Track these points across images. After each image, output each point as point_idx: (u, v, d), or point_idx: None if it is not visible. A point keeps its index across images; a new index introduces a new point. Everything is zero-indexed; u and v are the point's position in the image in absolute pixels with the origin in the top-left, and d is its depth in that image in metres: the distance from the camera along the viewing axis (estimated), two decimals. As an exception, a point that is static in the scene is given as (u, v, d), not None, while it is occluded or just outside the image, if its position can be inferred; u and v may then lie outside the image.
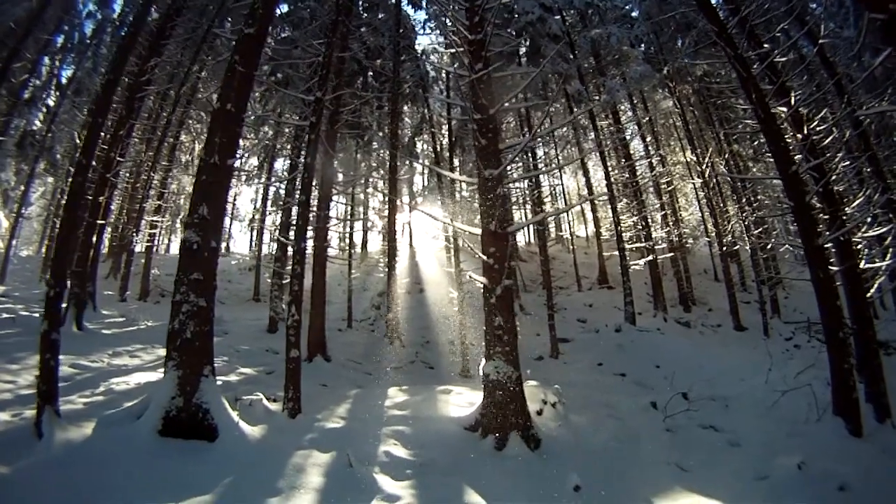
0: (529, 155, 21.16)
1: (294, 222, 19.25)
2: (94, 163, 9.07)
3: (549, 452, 8.09)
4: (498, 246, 8.64)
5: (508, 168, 10.08)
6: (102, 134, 20.86)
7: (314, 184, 13.35)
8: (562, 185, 35.20)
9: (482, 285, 8.74)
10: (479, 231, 9.01)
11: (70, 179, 9.18)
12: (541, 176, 24.52)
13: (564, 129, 29.50)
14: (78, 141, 23.43)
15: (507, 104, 10.15)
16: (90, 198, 15.89)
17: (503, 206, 8.93)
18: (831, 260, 10.04)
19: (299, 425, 8.32)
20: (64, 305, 15.06)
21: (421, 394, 10.86)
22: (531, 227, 30.51)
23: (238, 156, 9.23)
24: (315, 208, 16.23)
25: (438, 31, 23.00)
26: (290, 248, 20.00)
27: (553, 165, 27.94)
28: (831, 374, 9.20)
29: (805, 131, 10.90)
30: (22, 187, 25.89)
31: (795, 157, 10.55)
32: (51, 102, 25.46)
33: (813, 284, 9.76)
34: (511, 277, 13.93)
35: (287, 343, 8.90)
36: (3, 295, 18.40)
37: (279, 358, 13.64)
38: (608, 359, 16.65)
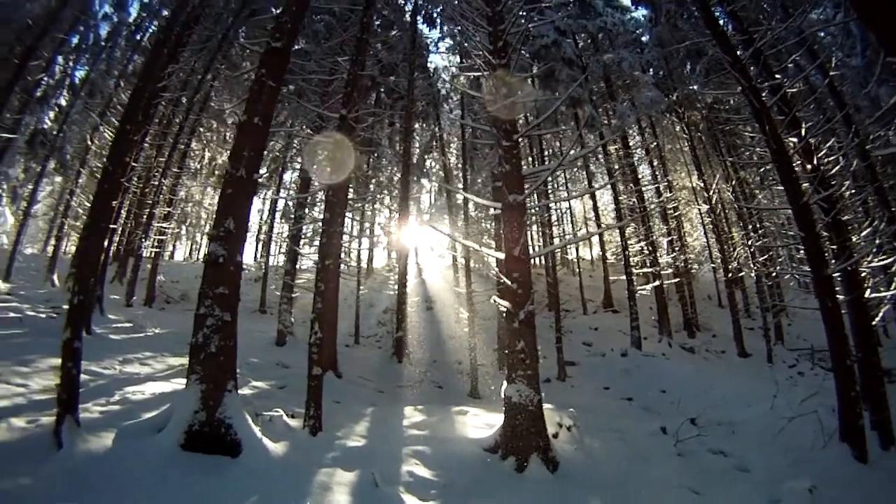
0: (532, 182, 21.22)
1: (304, 234, 19.48)
2: (120, 170, 9.00)
3: (567, 475, 8.08)
4: (521, 270, 8.66)
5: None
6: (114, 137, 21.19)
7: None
8: (569, 207, 35.30)
9: (503, 309, 8.74)
10: (502, 255, 9.03)
11: (97, 185, 9.11)
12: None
13: (572, 152, 29.74)
14: (89, 142, 23.51)
15: (532, 130, 10.19)
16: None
17: (526, 230, 8.96)
18: (836, 289, 10.08)
19: (321, 443, 8.27)
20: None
21: (438, 414, 10.86)
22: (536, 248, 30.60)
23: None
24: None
25: (455, 52, 23.19)
26: (300, 261, 20.18)
27: (561, 188, 28.03)
28: (838, 400, 9.31)
29: (815, 162, 11.00)
30: (30, 185, 25.86)
31: (805, 188, 10.64)
32: (63, 102, 25.49)
33: (821, 313, 9.90)
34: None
35: (309, 360, 8.84)
36: (9, 293, 18.25)
37: (290, 372, 13.73)
38: (615, 383, 16.72)
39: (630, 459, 8.96)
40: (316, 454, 7.72)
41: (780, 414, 10.34)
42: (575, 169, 29.21)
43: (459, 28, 20.95)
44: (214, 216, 8.40)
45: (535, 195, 20.18)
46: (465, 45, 19.31)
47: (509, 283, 8.65)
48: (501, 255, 9.04)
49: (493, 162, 18.31)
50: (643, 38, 23.87)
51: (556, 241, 24.16)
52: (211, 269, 7.87)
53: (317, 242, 20.34)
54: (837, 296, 9.89)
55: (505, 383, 8.65)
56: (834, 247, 10.83)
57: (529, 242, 23.24)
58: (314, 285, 9.60)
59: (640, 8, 23.95)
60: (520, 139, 9.43)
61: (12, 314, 14.82)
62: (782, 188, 14.42)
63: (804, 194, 10.39)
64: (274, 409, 9.20)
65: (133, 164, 17.14)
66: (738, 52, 11.59)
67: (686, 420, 10.54)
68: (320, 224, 19.71)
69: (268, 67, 8.90)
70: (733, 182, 23.14)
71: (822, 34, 16.68)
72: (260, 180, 24.86)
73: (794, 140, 11.08)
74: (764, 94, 11.18)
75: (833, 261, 10.58)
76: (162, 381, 11.15)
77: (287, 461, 7.27)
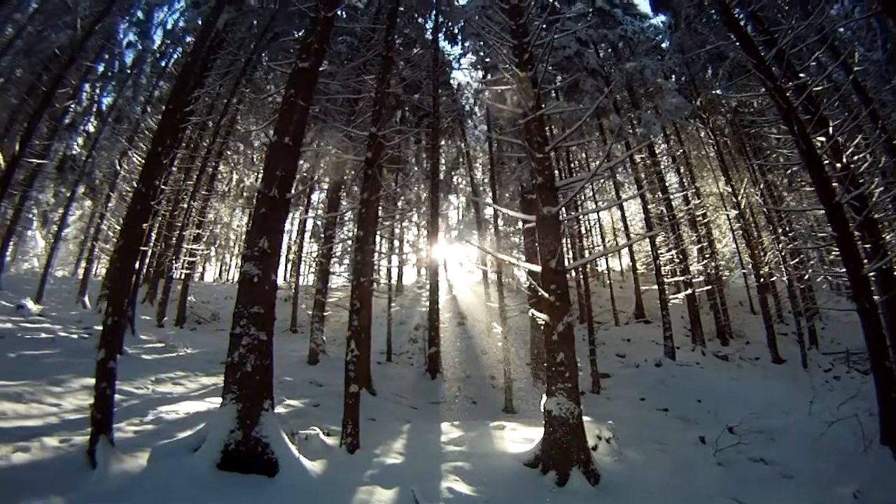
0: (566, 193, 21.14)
1: (334, 253, 19.52)
2: (152, 192, 9.06)
3: (608, 488, 7.94)
4: (559, 283, 8.56)
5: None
6: (143, 161, 21.49)
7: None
8: (598, 219, 35.02)
9: (541, 322, 8.64)
10: (538, 268, 8.93)
11: (127, 207, 9.20)
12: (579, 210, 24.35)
13: (597, 162, 29.63)
14: (118, 167, 23.82)
15: (564, 142, 10.13)
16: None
17: (562, 243, 8.87)
18: (871, 289, 9.96)
19: (358, 461, 8.20)
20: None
21: (475, 430, 10.73)
22: (568, 261, 30.38)
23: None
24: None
25: (478, 67, 23.22)
26: (332, 280, 20.22)
27: (588, 200, 27.92)
28: (878, 403, 9.30)
29: (844, 160, 10.85)
30: (60, 210, 26.28)
31: (834, 187, 10.49)
32: (91, 129, 25.96)
33: (858, 314, 9.83)
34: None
35: (346, 378, 8.80)
36: (41, 315, 18.45)
37: (324, 390, 13.70)
38: (650, 394, 16.48)
39: (671, 470, 8.79)
40: (354, 472, 7.66)
41: (819, 419, 10.24)
42: (602, 180, 29.03)
43: (482, 43, 21.25)
44: (247, 236, 8.45)
45: (564, 208, 20.05)
46: (488, 59, 19.45)
47: (547, 295, 8.55)
48: (538, 268, 8.93)
49: (521, 175, 18.30)
50: (663, 45, 23.70)
51: (587, 253, 24.02)
52: (246, 288, 7.89)
53: (346, 261, 20.45)
54: (875, 297, 9.74)
55: (545, 396, 8.52)
56: (867, 246, 10.64)
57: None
58: (349, 303, 9.56)
59: (658, 14, 23.83)
60: (551, 151, 9.33)
61: (45, 335, 14.98)
62: (811, 189, 14.43)
63: (836, 194, 10.28)
64: (309, 427, 9.15)
65: (163, 186, 17.35)
66: (762, 54, 11.46)
67: (724, 429, 10.36)
68: (349, 242, 19.92)
69: (297, 87, 8.96)
70: (761, 186, 22.86)
71: (842, 30, 16.46)
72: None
73: (822, 139, 10.95)
74: (789, 94, 11.07)
75: (866, 261, 10.40)
76: (196, 401, 11.19)
77: (325, 480, 7.22)
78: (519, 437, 10.15)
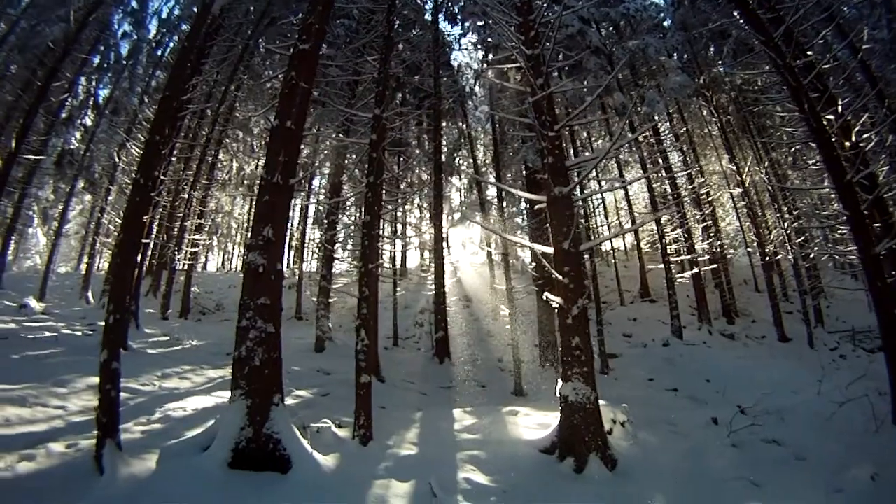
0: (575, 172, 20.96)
1: (337, 239, 19.33)
2: (151, 183, 8.79)
3: (626, 473, 7.82)
4: (572, 265, 8.34)
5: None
6: (142, 151, 21.26)
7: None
8: (602, 198, 34.80)
9: (556, 305, 8.45)
10: (550, 250, 8.74)
11: (128, 200, 8.91)
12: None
13: (599, 141, 29.43)
14: (117, 159, 23.64)
15: (574, 120, 9.93)
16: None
17: (575, 223, 8.66)
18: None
19: (372, 453, 8.01)
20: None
21: (488, 416, 10.57)
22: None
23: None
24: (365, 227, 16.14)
25: (479, 47, 22.98)
26: (335, 265, 20.04)
27: (591, 179, 27.74)
28: (890, 383, 9.23)
29: (853, 139, 10.70)
30: (60, 206, 26.14)
31: (845, 166, 10.35)
32: (88, 122, 25.76)
33: (871, 293, 9.92)
34: (551, 289, 13.68)
35: (357, 368, 8.59)
36: (44, 312, 18.35)
37: (332, 379, 13.56)
38: (658, 374, 16.43)
39: (685, 453, 8.70)
40: (368, 465, 7.49)
41: (828, 399, 10.10)
42: (606, 159, 28.87)
43: (483, 22, 20.96)
44: (252, 225, 8.21)
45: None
46: (490, 39, 19.18)
47: (561, 277, 8.35)
48: (550, 250, 8.74)
49: (527, 156, 18.08)
50: (664, 23, 23.48)
51: (592, 233, 23.84)
52: (251, 279, 7.66)
53: (350, 246, 20.26)
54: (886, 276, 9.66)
55: (560, 381, 8.34)
56: (877, 225, 10.52)
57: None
58: (358, 290, 9.32)
59: (661, -9, 23.59)
60: (561, 129, 9.11)
61: (48, 333, 14.81)
62: (816, 168, 14.39)
63: (847, 172, 10.10)
64: (319, 418, 8.96)
65: (162, 177, 17.15)
66: (772, 33, 11.26)
67: (735, 409, 10.28)
68: (352, 228, 19.72)
69: (298, 70, 8.68)
70: (766, 164, 22.70)
71: (846, 8, 16.27)
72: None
73: (830, 117, 10.78)
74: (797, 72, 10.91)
75: (874, 240, 10.28)
76: (203, 396, 10.99)
77: (339, 474, 7.04)
78: (533, 423, 9.98)
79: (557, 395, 8.32)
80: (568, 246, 8.36)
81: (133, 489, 6.08)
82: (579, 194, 18.04)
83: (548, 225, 9.15)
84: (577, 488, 7.28)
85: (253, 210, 32.61)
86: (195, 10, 22.75)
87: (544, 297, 8.96)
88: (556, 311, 8.56)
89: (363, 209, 10.22)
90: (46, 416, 8.43)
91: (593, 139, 30.29)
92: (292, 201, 8.79)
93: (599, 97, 21.84)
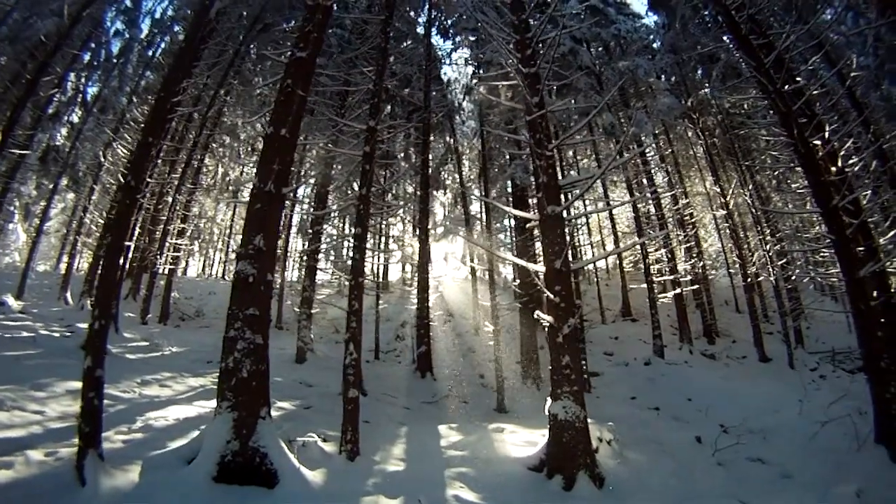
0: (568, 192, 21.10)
1: (324, 250, 19.23)
2: (141, 185, 8.63)
3: (613, 491, 7.90)
4: (563, 284, 8.38)
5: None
6: (129, 153, 21.08)
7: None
8: (586, 217, 34.95)
9: (545, 324, 8.46)
10: (542, 268, 8.76)
11: (117, 202, 8.76)
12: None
13: (584, 160, 29.63)
14: (102, 158, 23.38)
15: (568, 140, 9.98)
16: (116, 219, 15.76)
17: (568, 243, 8.69)
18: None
19: (359, 468, 7.96)
20: (87, 326, 14.82)
21: (474, 433, 10.55)
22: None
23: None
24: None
25: (470, 63, 23.09)
26: (318, 276, 19.90)
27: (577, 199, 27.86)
28: (873, 403, 9.41)
29: (839, 164, 10.88)
30: (43, 202, 25.82)
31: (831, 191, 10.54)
32: (75, 119, 25.47)
33: (854, 316, 10.12)
34: (534, 307, 13.72)
35: (345, 382, 8.54)
36: (23, 311, 18.07)
37: (314, 391, 13.47)
38: (640, 392, 16.46)
39: (672, 471, 8.82)
40: (356, 481, 7.42)
41: (810, 419, 10.47)
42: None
43: (475, 38, 21.05)
44: (242, 233, 8.11)
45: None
46: (482, 55, 19.24)
47: (552, 296, 8.38)
48: (541, 269, 8.76)
49: (515, 173, 18.12)
50: (654, 45, 23.70)
51: (577, 251, 23.86)
52: (240, 288, 7.57)
53: (332, 257, 20.13)
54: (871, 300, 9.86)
55: (549, 400, 8.40)
56: (860, 249, 10.65)
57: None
58: (348, 304, 9.26)
59: (650, 14, 23.84)
60: (554, 149, 9.15)
61: (25, 333, 14.59)
62: (799, 192, 14.63)
63: (833, 197, 10.30)
64: (303, 431, 8.93)
65: (148, 179, 16.98)
66: (764, 59, 11.43)
67: (718, 428, 10.67)
68: (336, 239, 19.63)
69: (294, 77, 8.65)
70: (750, 186, 22.92)
71: (834, 35, 16.56)
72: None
73: (817, 143, 10.95)
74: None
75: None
76: (184, 405, 10.84)
77: (327, 490, 6.97)
78: (519, 440, 9.99)
79: (546, 412, 8.35)
80: (560, 265, 8.38)
81: (116, 501, 5.96)
82: (570, 214, 18.26)
83: (534, 243, 9.24)
84: (567, 506, 7.24)
85: (237, 217, 32.56)
86: (188, 11, 22.93)
87: (535, 316, 8.98)
88: (546, 329, 8.58)
89: (354, 221, 10.16)
90: (24, 421, 8.23)
91: (579, 158, 30.42)
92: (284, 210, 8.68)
93: (588, 115, 22.01)
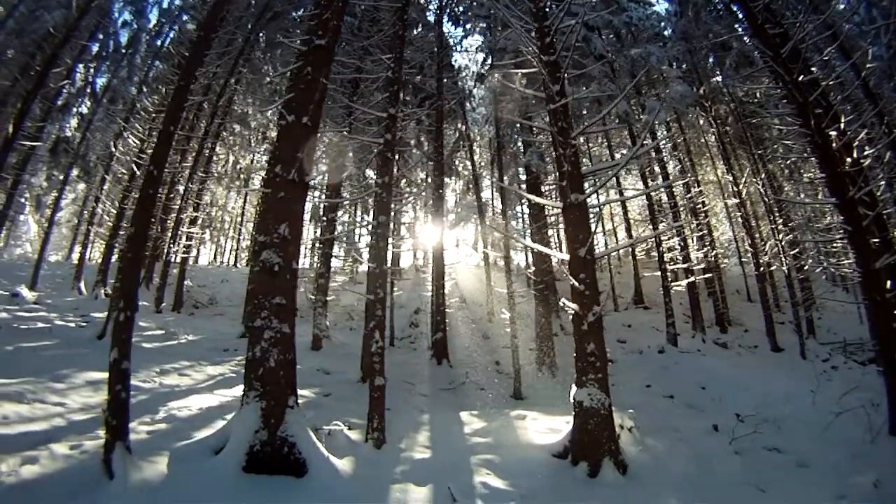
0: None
1: (337, 238, 19.20)
2: (163, 174, 8.53)
3: (637, 478, 7.89)
4: (588, 272, 8.34)
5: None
6: (140, 142, 21.09)
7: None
8: (599, 206, 34.81)
9: (571, 312, 8.44)
10: (566, 256, 8.72)
11: (139, 191, 8.58)
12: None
13: (596, 149, 29.52)
14: (113, 148, 23.37)
15: (591, 128, 9.92)
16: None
17: (592, 231, 8.65)
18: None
19: (387, 457, 7.97)
20: (104, 316, 14.89)
21: (497, 420, 10.59)
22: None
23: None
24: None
25: (482, 49, 23.00)
26: (333, 263, 19.90)
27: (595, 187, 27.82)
28: (888, 395, 9.47)
29: (854, 155, 10.79)
30: (54, 193, 25.90)
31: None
32: (84, 110, 25.52)
33: (869, 307, 10.36)
34: (551, 297, 13.64)
35: (371, 370, 8.51)
36: (37, 302, 18.13)
37: (332, 378, 13.49)
38: (655, 380, 16.42)
39: (691, 459, 8.80)
40: (384, 469, 7.43)
41: (823, 409, 10.49)
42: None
43: (485, 24, 20.94)
44: (263, 222, 8.06)
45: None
46: (495, 43, 19.13)
47: (576, 284, 8.34)
48: (565, 256, 8.72)
49: (531, 160, 18.04)
50: (665, 33, 23.56)
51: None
52: (266, 278, 7.52)
53: (345, 245, 20.05)
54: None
55: (574, 387, 8.38)
56: (875, 241, 10.59)
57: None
58: (372, 291, 9.23)
59: (662, 1, 23.75)
60: (576, 137, 9.09)
61: (41, 324, 14.72)
62: (811, 181, 14.57)
63: (850, 188, 10.26)
64: (325, 419, 8.94)
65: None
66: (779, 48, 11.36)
67: (733, 417, 10.61)
68: (349, 226, 19.57)
69: (313, 65, 8.58)
70: (762, 175, 22.80)
71: (847, 25, 16.44)
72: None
73: (833, 133, 10.87)
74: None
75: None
76: (206, 394, 10.88)
77: (356, 479, 6.98)
78: (542, 427, 10.02)
79: (571, 399, 8.34)
80: (584, 253, 8.35)
81: (147, 494, 5.94)
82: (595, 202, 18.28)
83: (548, 231, 9.18)
84: (593, 493, 7.31)
85: (248, 205, 32.43)
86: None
87: (560, 303, 8.93)
88: (571, 317, 8.54)
89: (374, 209, 10.10)
90: (46, 414, 8.21)
91: (591, 146, 30.31)
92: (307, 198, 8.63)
93: (598, 104, 21.91)
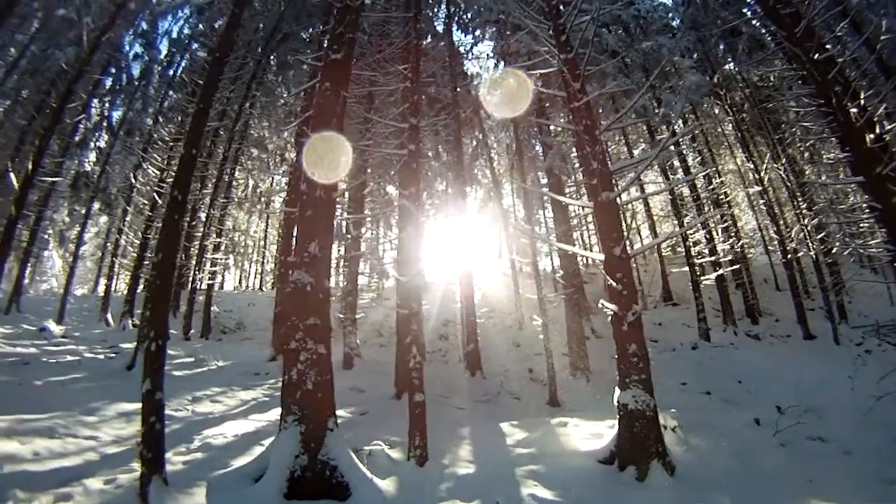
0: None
1: (363, 255, 19.12)
2: (187, 199, 8.45)
3: (685, 478, 7.74)
4: (624, 270, 8.18)
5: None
6: (160, 171, 21.22)
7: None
8: (630, 202, 34.60)
9: (610, 312, 8.26)
10: (601, 256, 8.55)
11: (162, 219, 8.56)
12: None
13: (612, 145, 29.30)
14: (133, 180, 23.58)
15: (615, 124, 9.79)
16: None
17: (622, 228, 8.49)
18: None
19: (430, 474, 7.79)
20: (132, 346, 14.89)
21: (538, 429, 10.40)
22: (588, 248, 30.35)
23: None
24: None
25: (493, 55, 22.97)
26: (360, 280, 19.83)
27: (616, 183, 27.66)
28: None
29: (878, 131, 10.57)
30: (77, 228, 26.20)
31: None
32: (102, 143, 25.82)
33: None
34: (581, 300, 13.35)
35: (411, 386, 8.37)
36: (64, 336, 18.22)
37: (367, 396, 13.37)
38: (690, 377, 16.16)
39: (736, 455, 8.66)
40: (429, 488, 7.27)
41: (862, 394, 10.32)
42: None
43: (495, 29, 20.85)
44: (292, 242, 8.00)
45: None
46: (507, 46, 19.06)
47: (613, 284, 8.19)
48: (600, 256, 8.55)
49: (553, 162, 17.92)
50: (672, 24, 23.37)
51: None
52: (298, 298, 7.42)
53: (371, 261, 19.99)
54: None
55: (617, 390, 8.23)
56: None
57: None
58: (403, 306, 9.13)
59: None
60: (601, 134, 8.94)
61: (70, 357, 14.66)
62: (832, 162, 14.37)
63: (877, 165, 9.95)
64: (364, 439, 8.81)
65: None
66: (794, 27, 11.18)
67: (772, 409, 10.45)
68: (373, 242, 19.48)
69: (331, 80, 8.52)
70: (783, 160, 22.51)
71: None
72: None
73: (854, 110, 10.63)
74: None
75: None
76: (240, 420, 10.77)
77: (400, 499, 6.84)
78: (584, 434, 9.85)
79: (615, 402, 8.18)
80: (619, 251, 8.18)
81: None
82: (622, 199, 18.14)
83: (575, 234, 9.02)
84: (643, 496, 7.21)
85: (270, 228, 32.52)
86: (200, 27, 23.06)
87: (599, 304, 8.76)
88: (610, 318, 8.37)
89: (400, 222, 9.99)
90: (78, 448, 8.10)
91: (608, 144, 30.08)
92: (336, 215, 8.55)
93: (612, 101, 21.74)
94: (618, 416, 8.13)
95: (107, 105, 25.45)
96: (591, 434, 9.66)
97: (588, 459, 8.31)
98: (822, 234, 20.39)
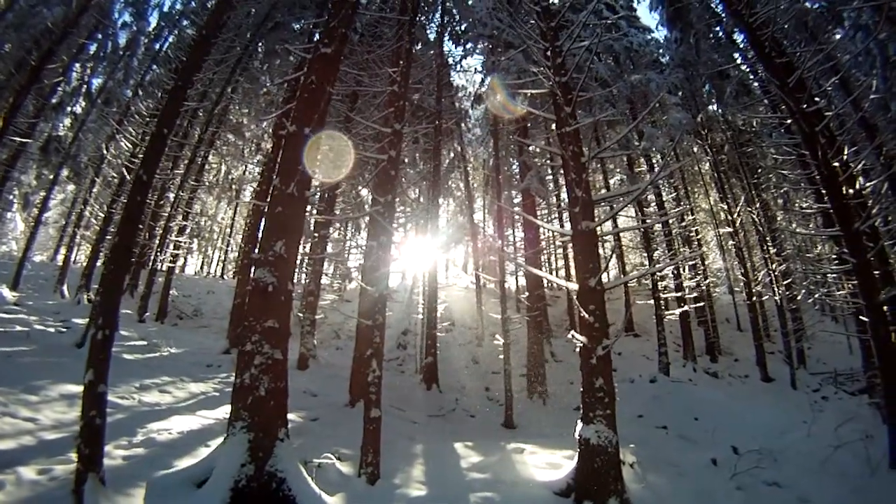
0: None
1: (329, 256, 18.79)
2: (153, 180, 8.02)
3: (642, 518, 7.54)
4: (597, 303, 8.01)
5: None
6: (132, 146, 20.70)
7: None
8: (612, 233, 34.72)
9: (580, 344, 8.09)
10: (575, 286, 8.38)
11: (126, 197, 8.13)
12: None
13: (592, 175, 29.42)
14: (105, 151, 23.04)
15: (602, 153, 9.67)
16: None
17: (604, 260, 8.38)
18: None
19: (381, 493, 7.48)
20: (84, 322, 14.35)
21: (495, 453, 10.17)
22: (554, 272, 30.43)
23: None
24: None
25: (482, 70, 22.95)
26: (323, 281, 19.48)
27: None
28: (889, 428, 9.26)
29: (856, 187, 10.81)
30: (42, 192, 25.61)
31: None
32: (78, 110, 25.21)
33: (872, 339, 9.90)
34: (543, 323, 13.19)
35: (367, 401, 8.04)
36: (17, 304, 17.65)
37: (319, 401, 13.09)
38: (647, 411, 16.14)
39: (694, 496, 8.56)
40: (380, 508, 6.98)
41: (819, 441, 10.33)
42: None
43: (485, 45, 20.76)
44: (258, 236, 7.69)
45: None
46: (497, 62, 18.99)
47: (586, 315, 8.00)
48: (574, 286, 8.38)
49: (531, 184, 17.84)
50: (662, 60, 23.59)
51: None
52: (258, 298, 7.07)
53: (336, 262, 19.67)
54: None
55: (580, 423, 8.03)
56: (876, 273, 10.48)
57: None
58: (371, 318, 8.81)
59: (661, 28, 23.81)
60: (587, 162, 8.80)
61: (19, 327, 14.16)
62: (810, 212, 14.64)
63: (855, 220, 10.13)
64: (315, 448, 8.56)
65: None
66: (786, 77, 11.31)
67: (728, 450, 10.44)
68: (340, 244, 19.18)
69: (318, 74, 8.24)
70: (757, 205, 22.85)
71: (844, 56, 16.59)
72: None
73: (836, 164, 10.79)
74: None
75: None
76: (187, 415, 10.35)
77: (349, 519, 6.54)
78: (541, 462, 9.65)
79: (577, 436, 7.99)
80: (594, 283, 8.04)
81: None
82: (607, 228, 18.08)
83: (544, 257, 8.86)
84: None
85: (238, 216, 32.01)
86: (192, 4, 22.63)
87: (570, 336, 8.60)
88: (579, 350, 8.19)
89: (371, 229, 9.71)
90: (15, 430, 7.68)
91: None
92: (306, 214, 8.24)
93: (596, 131, 21.81)
94: (578, 450, 7.96)
95: (88, 71, 24.78)
96: (548, 463, 9.48)
97: (544, 490, 8.10)
98: (789, 280, 20.67)
